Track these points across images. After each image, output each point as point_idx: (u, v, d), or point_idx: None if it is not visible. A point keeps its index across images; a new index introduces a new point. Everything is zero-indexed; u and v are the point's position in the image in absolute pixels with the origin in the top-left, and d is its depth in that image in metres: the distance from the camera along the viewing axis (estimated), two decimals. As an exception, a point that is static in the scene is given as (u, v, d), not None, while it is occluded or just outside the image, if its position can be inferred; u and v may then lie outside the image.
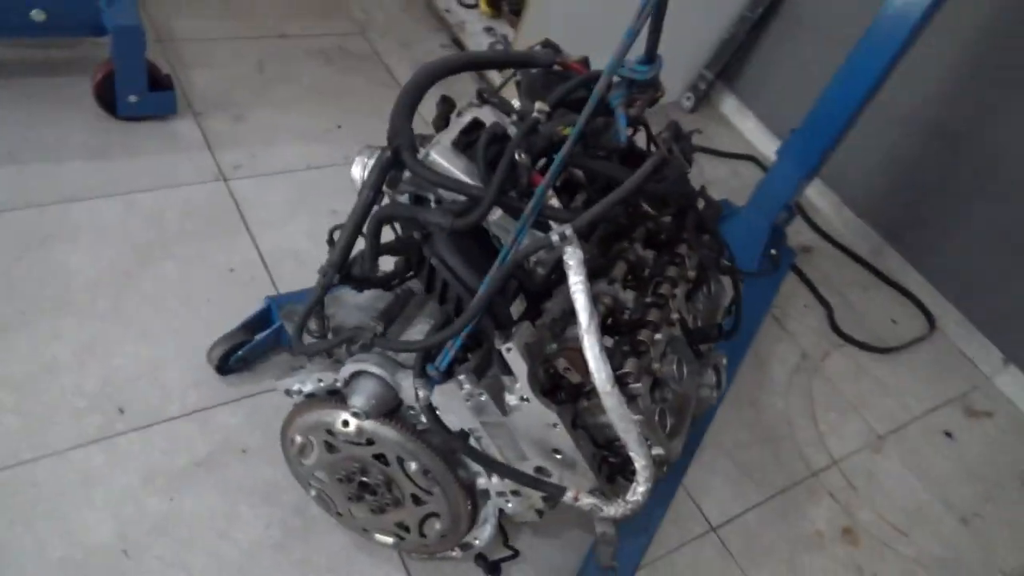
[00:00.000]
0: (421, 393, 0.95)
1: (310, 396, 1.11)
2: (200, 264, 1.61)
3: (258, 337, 1.42)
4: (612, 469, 0.99)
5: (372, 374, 1.00)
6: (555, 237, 0.86)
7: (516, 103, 1.13)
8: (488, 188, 0.89)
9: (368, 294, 1.16)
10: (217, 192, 1.77)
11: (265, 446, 1.35)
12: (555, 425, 0.92)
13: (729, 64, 2.54)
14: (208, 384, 1.41)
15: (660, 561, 1.42)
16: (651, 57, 1.02)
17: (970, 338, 2.09)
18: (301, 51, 2.24)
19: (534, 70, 1.16)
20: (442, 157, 0.95)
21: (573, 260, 0.86)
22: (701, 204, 1.21)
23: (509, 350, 0.87)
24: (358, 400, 1.01)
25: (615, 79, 1.06)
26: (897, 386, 1.95)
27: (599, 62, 1.05)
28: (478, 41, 2.39)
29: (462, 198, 0.93)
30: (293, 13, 2.34)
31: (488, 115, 1.03)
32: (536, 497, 1.04)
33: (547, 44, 1.14)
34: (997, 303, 2.04)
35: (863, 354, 2.00)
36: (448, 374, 0.93)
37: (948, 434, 1.89)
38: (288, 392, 1.13)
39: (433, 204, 0.97)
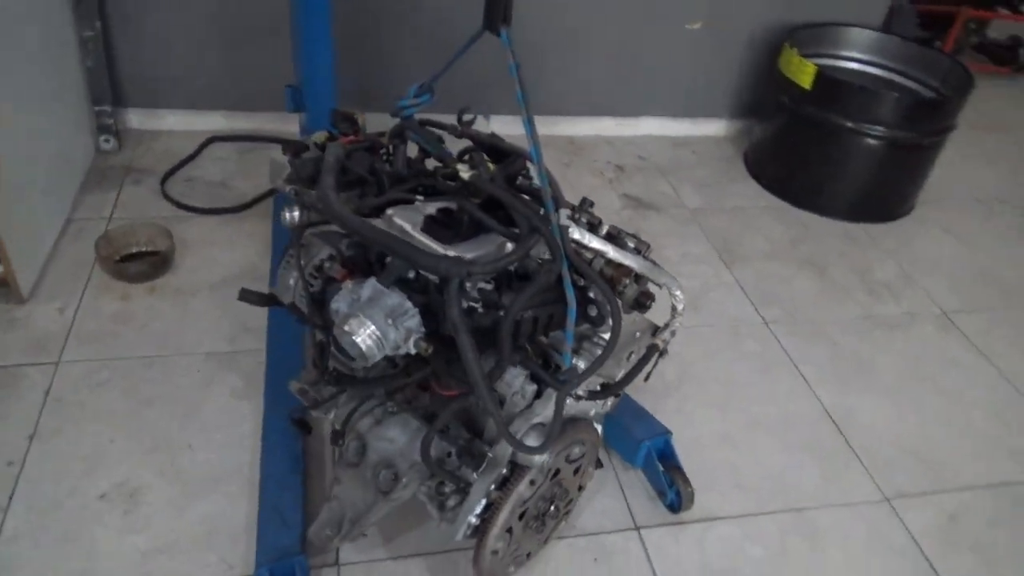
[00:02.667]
0: (581, 392, 1.17)
1: (487, 508, 1.19)
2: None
3: None
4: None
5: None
6: (567, 222, 1.12)
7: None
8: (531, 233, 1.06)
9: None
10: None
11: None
12: (637, 319, 1.26)
13: (103, 88, 2.39)
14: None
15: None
16: (431, 88, 1.21)
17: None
18: None
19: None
20: (472, 252, 1.05)
21: (581, 232, 1.15)
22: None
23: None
24: (541, 455, 1.16)
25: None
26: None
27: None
28: None
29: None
30: None
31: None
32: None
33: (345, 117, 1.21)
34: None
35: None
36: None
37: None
38: (469, 527, 1.18)
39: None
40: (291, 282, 1.28)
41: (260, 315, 1.86)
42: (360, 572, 1.40)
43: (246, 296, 1.36)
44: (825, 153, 2.56)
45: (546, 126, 2.81)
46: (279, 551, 1.29)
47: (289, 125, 2.59)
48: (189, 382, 1.70)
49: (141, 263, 1.97)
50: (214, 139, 2.53)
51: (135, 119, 2.54)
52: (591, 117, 2.87)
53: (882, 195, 2.63)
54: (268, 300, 1.37)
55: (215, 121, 2.59)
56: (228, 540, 1.41)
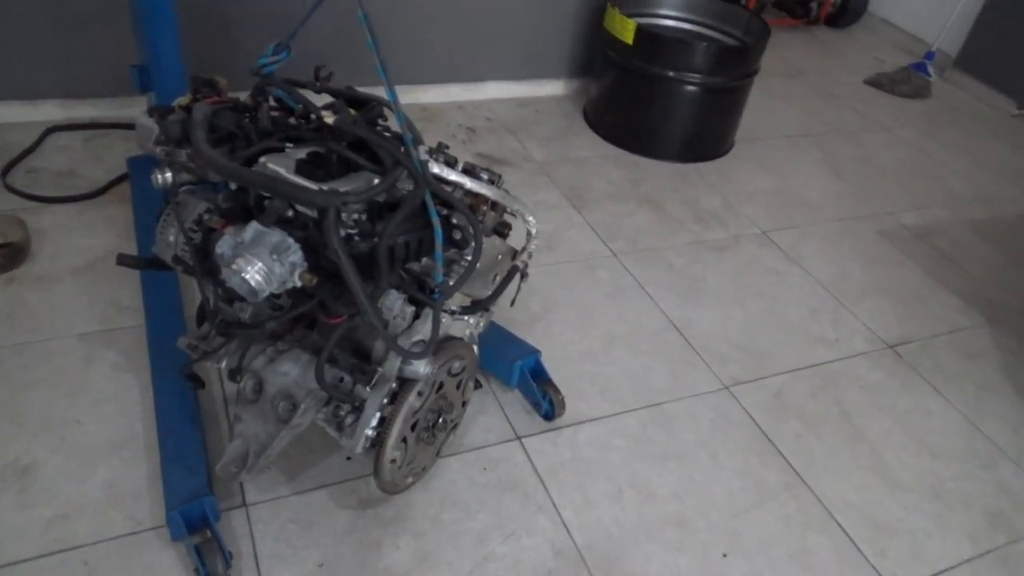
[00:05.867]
0: (455, 307, 1.32)
1: (381, 422, 1.32)
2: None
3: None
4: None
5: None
6: (425, 156, 1.26)
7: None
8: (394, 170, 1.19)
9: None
10: None
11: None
12: (498, 244, 1.42)
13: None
14: None
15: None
16: (288, 46, 1.30)
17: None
18: None
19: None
20: (344, 186, 1.17)
21: (440, 166, 1.29)
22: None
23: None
24: (424, 366, 1.31)
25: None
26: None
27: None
28: None
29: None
30: None
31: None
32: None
33: (205, 82, 1.27)
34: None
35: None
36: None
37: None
38: (366, 439, 1.31)
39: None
40: (171, 239, 1.34)
41: (131, 294, 1.89)
42: (267, 509, 1.49)
43: (124, 260, 1.41)
44: (652, 102, 2.84)
45: (399, 94, 2.91)
46: (187, 495, 1.36)
47: (132, 109, 2.56)
48: (68, 363, 1.71)
49: (-6, 255, 1.92)
50: (54, 129, 2.46)
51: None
52: (440, 84, 3.01)
53: (704, 136, 2.95)
54: (146, 262, 1.42)
55: (50, 110, 2.51)
56: (132, 500, 1.46)
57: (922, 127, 3.59)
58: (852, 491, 1.74)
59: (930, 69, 4.02)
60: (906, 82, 3.91)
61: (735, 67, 2.81)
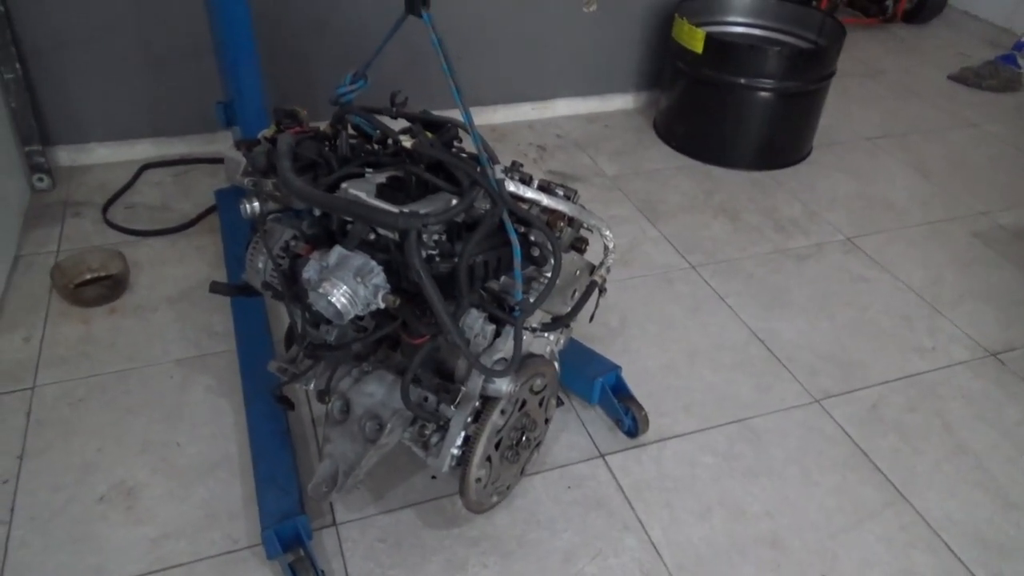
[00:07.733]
0: (535, 324, 1.32)
1: (466, 441, 1.33)
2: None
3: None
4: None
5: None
6: (501, 175, 1.27)
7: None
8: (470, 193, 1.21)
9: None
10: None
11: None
12: (576, 259, 1.42)
13: (30, 128, 2.42)
14: None
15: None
16: (364, 75, 1.34)
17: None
18: None
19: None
20: (424, 208, 1.19)
21: (516, 185, 1.30)
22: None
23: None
24: (506, 384, 1.31)
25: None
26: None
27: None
28: None
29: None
30: None
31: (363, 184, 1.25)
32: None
33: (287, 114, 1.32)
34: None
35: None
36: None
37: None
38: (452, 458, 1.32)
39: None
40: (260, 265, 1.39)
41: (223, 319, 1.96)
42: (356, 528, 1.52)
43: (217, 288, 1.46)
44: (724, 110, 2.79)
45: (467, 117, 2.96)
46: (281, 514, 1.40)
47: (218, 144, 2.68)
48: (165, 388, 1.79)
49: (97, 287, 2.03)
50: (148, 166, 2.60)
51: (65, 155, 2.58)
52: (509, 104, 3.04)
53: (780, 142, 2.87)
54: (237, 289, 1.48)
55: (145, 149, 2.65)
56: (228, 519, 1.51)
57: (1013, 122, 3.41)
58: (958, 508, 1.64)
59: (1019, 60, 3.81)
60: (993, 76, 3.73)
61: (810, 70, 2.74)
